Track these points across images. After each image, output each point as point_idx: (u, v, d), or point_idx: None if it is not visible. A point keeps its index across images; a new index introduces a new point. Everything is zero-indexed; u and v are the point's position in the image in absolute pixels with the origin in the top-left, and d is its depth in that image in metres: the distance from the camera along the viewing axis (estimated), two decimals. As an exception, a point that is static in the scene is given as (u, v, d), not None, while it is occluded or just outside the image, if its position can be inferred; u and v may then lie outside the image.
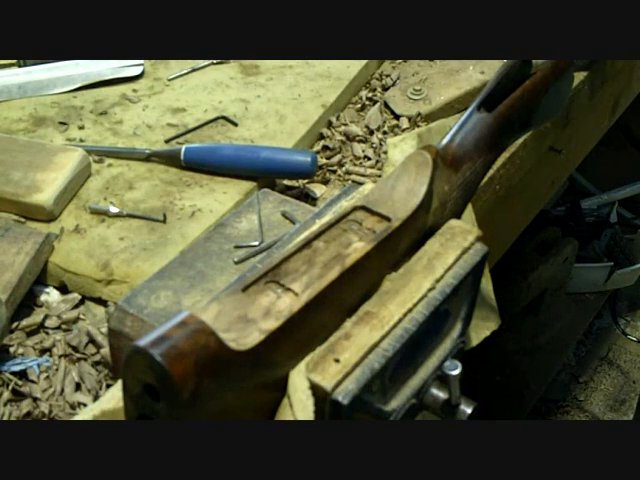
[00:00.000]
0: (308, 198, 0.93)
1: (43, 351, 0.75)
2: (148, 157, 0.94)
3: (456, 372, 0.61)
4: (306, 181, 0.95)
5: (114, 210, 0.87)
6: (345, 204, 0.72)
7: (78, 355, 0.75)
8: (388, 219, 0.62)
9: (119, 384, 0.55)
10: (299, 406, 0.50)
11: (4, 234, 0.81)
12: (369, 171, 0.96)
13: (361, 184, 0.81)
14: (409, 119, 1.03)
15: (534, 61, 0.87)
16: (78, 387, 0.73)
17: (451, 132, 0.72)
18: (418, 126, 1.02)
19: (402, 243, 0.64)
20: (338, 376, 0.54)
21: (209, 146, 0.93)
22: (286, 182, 0.95)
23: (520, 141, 1.01)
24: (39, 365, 0.74)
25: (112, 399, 0.59)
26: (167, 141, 0.98)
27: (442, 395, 0.64)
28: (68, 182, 0.88)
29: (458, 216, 0.72)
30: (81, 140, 0.98)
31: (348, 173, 0.97)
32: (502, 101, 0.74)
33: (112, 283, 0.80)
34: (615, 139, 2.06)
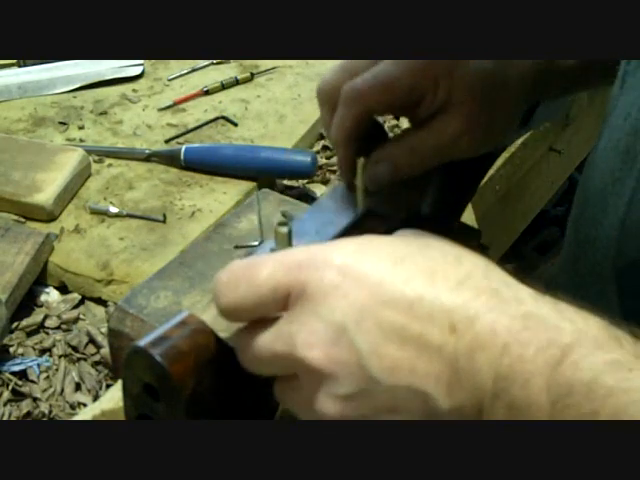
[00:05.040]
0: (308, 198, 0.93)
1: (43, 351, 0.75)
2: (148, 157, 0.94)
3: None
4: (306, 181, 0.95)
5: (114, 210, 0.87)
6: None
7: (78, 355, 0.75)
8: (388, 219, 0.62)
9: (119, 384, 0.55)
10: None
11: (4, 234, 0.81)
12: (369, 171, 0.96)
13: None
14: (409, 119, 1.03)
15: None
16: (78, 387, 0.73)
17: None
18: (418, 126, 1.02)
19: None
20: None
21: (209, 146, 0.93)
22: (286, 182, 0.95)
23: (520, 141, 1.01)
24: (39, 365, 0.74)
25: (112, 399, 0.59)
26: (167, 141, 0.98)
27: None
28: (68, 182, 0.88)
29: (458, 216, 0.72)
30: (81, 140, 0.98)
31: (348, 173, 0.96)
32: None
33: (112, 283, 0.80)
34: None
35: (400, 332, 0.40)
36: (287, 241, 0.50)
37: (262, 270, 0.42)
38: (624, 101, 0.59)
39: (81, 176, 0.91)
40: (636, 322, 0.40)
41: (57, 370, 0.74)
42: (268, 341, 0.43)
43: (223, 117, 1.01)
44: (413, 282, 0.41)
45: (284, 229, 0.50)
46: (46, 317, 0.78)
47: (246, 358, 0.45)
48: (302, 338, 0.41)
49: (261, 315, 0.44)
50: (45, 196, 0.86)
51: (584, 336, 0.38)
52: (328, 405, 0.42)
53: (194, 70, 1.11)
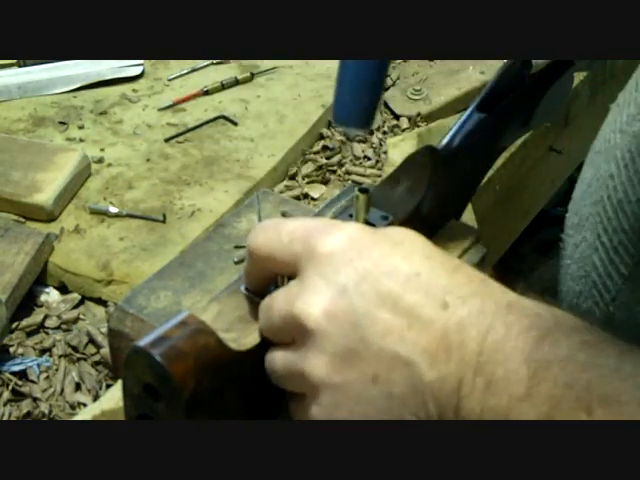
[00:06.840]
0: (308, 198, 0.93)
1: (43, 351, 0.75)
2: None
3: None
4: (306, 181, 0.95)
5: (114, 210, 0.87)
6: (345, 204, 0.72)
7: (78, 355, 0.75)
8: (387, 219, 0.62)
9: (119, 384, 0.55)
10: None
11: (4, 234, 0.81)
12: (369, 171, 0.96)
13: (361, 184, 0.81)
14: (409, 119, 1.03)
15: (534, 61, 0.87)
16: (78, 387, 0.73)
17: (451, 132, 0.72)
18: (418, 126, 1.02)
19: (402, 243, 0.63)
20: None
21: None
22: (286, 182, 0.95)
23: (520, 141, 1.00)
24: (39, 365, 0.74)
25: (112, 399, 0.59)
26: (167, 140, 0.98)
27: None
28: (68, 182, 0.88)
29: (458, 216, 0.72)
30: (81, 140, 0.98)
31: (348, 173, 0.96)
32: (502, 101, 0.74)
33: (112, 283, 0.80)
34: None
35: (395, 301, 0.44)
36: (365, 207, 0.54)
37: (288, 225, 0.49)
38: None
39: (81, 176, 0.91)
40: None
41: (57, 370, 0.74)
42: (279, 301, 0.47)
43: (223, 116, 1.01)
44: (412, 259, 0.45)
45: (364, 195, 0.54)
46: (46, 317, 0.78)
47: (262, 323, 0.50)
48: (303, 296, 0.45)
49: (278, 260, 0.48)
50: (45, 196, 0.86)
51: (561, 321, 0.42)
52: (316, 364, 0.44)
53: (194, 70, 1.11)
